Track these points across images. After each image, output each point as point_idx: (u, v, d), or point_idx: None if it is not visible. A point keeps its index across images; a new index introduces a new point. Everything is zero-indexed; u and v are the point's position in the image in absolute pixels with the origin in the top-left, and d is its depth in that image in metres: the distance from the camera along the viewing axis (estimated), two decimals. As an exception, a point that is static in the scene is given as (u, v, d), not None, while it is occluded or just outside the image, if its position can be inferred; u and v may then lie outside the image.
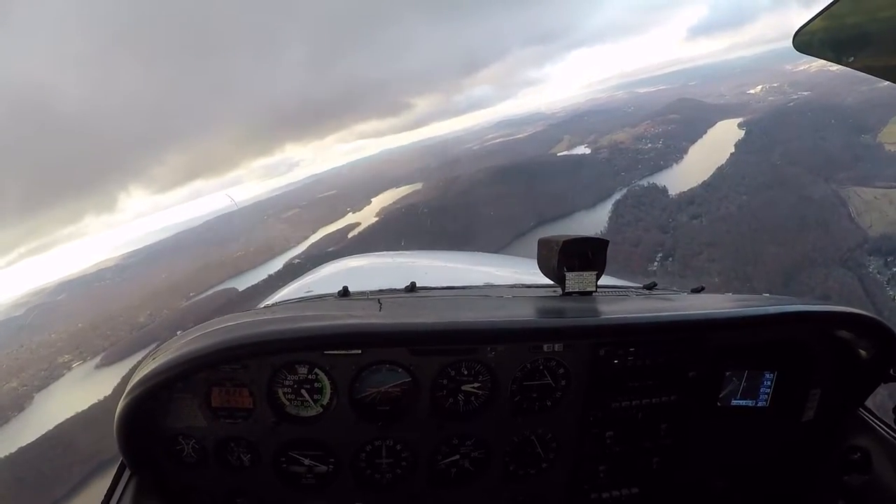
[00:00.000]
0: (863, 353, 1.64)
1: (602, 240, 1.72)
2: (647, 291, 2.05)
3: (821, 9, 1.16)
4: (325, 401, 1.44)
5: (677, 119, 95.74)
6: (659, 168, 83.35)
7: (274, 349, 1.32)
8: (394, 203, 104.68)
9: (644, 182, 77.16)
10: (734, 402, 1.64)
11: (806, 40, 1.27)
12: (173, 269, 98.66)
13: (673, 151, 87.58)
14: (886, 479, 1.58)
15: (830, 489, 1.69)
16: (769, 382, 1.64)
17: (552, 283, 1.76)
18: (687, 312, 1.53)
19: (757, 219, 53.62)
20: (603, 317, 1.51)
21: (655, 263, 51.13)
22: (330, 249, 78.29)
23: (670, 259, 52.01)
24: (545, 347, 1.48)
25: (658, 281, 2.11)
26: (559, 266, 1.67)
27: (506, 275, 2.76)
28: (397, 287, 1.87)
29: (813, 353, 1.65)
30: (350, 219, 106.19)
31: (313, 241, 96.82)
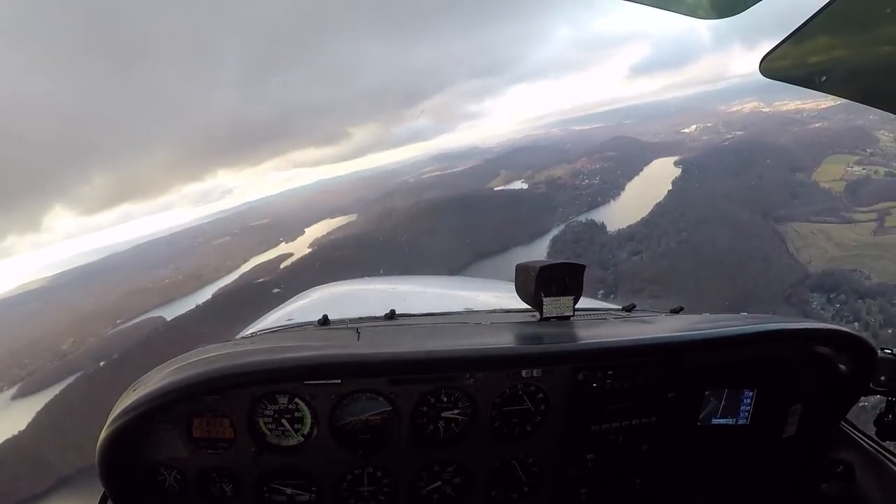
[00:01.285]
0: (842, 367, 1.69)
1: (578, 265, 1.77)
2: (625, 314, 2.04)
3: (785, 36, 1.20)
4: (306, 430, 1.47)
5: (614, 156, 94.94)
6: (597, 204, 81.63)
7: (253, 380, 1.35)
8: (328, 234, 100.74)
9: (582, 218, 75.31)
10: (714, 422, 1.67)
11: (773, 65, 1.30)
12: (101, 294, 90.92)
13: (610, 188, 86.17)
14: (869, 492, 1.63)
15: (813, 501, 1.74)
16: (749, 400, 1.67)
17: (530, 308, 1.81)
18: (664, 335, 1.59)
19: (698, 255, 52.10)
20: (580, 342, 1.59)
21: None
22: (260, 280, 74.48)
23: (612, 296, 48.40)
24: (524, 373, 1.51)
25: (637, 302, 2.10)
26: (536, 291, 1.73)
27: (485, 300, 2.76)
28: (377, 314, 1.90)
29: (792, 370, 1.69)
30: (283, 249, 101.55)
31: (244, 270, 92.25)
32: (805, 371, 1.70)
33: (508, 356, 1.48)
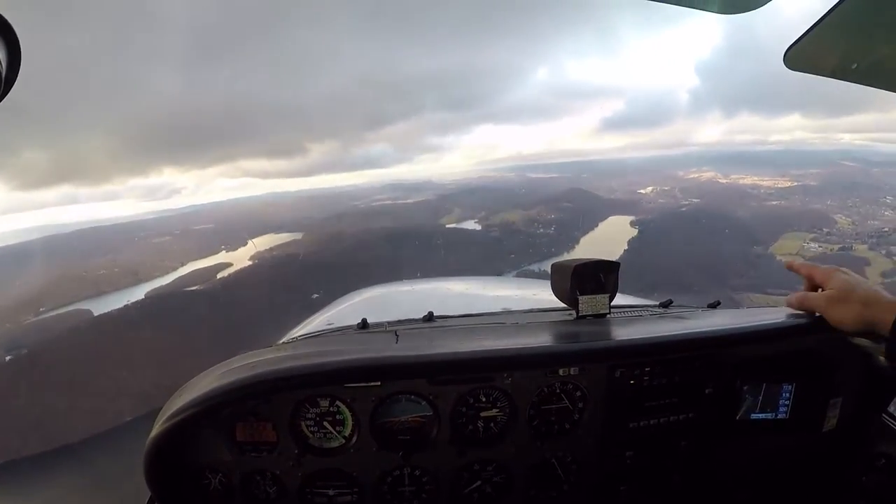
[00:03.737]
0: (882, 358, 1.64)
1: (614, 262, 1.79)
2: (661, 310, 2.03)
3: (808, 27, 1.21)
4: (347, 432, 1.51)
5: (570, 207, 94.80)
6: (550, 255, 78.56)
7: (295, 385, 1.39)
8: (270, 249, 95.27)
9: (535, 267, 71.95)
10: (753, 416, 1.67)
11: (798, 56, 1.33)
12: (31, 275, 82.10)
13: (565, 240, 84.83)
14: None
15: (853, 494, 1.73)
16: (788, 394, 1.66)
17: (566, 306, 1.84)
18: (701, 329, 1.62)
19: (656, 322, 49.62)
20: (617, 339, 1.61)
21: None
22: (194, 288, 71.71)
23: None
24: (561, 371, 1.54)
25: (674, 298, 2.09)
26: (572, 290, 1.75)
27: (521, 299, 2.79)
28: (415, 317, 1.94)
29: (832, 362, 1.66)
30: (222, 257, 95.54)
31: (181, 273, 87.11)
32: (845, 363, 1.67)
33: (546, 355, 1.51)
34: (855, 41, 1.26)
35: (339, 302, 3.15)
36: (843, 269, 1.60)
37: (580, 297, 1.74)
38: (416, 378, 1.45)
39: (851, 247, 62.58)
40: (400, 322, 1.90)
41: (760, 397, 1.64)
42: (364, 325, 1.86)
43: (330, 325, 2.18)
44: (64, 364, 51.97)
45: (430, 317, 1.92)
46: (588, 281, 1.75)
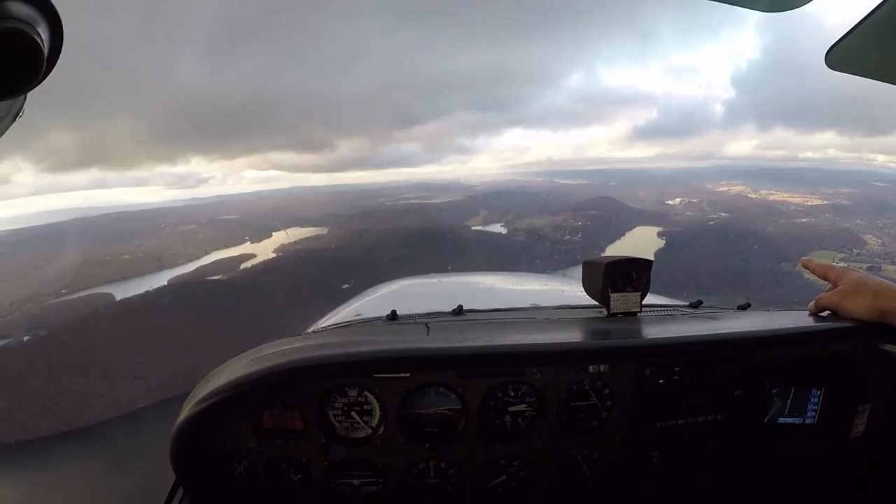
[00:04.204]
0: None
1: (647, 260, 1.80)
2: (692, 310, 2.04)
3: (850, 28, 1.21)
4: (375, 422, 1.50)
5: (597, 215, 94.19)
6: (576, 262, 77.47)
7: (324, 373, 1.41)
8: (295, 243, 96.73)
9: (560, 274, 71.67)
10: (781, 420, 1.66)
11: (840, 57, 1.31)
12: (57, 257, 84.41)
13: (591, 247, 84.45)
14: None
15: (879, 501, 1.75)
16: (817, 399, 1.65)
17: (597, 304, 1.83)
18: (732, 331, 1.62)
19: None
20: (648, 337, 1.60)
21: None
22: (216, 277, 72.35)
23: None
24: (590, 368, 1.53)
25: (704, 299, 2.11)
26: (604, 287, 1.75)
27: (552, 296, 2.79)
28: (444, 310, 1.93)
29: (862, 368, 1.65)
30: (247, 248, 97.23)
31: (204, 262, 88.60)
32: (875, 370, 1.64)
33: (576, 351, 1.51)
34: None
35: (368, 293, 3.19)
36: (856, 268, 1.65)
37: (612, 295, 1.75)
38: (446, 370, 1.46)
39: (881, 267, 62.33)
40: (429, 315, 1.90)
41: (789, 401, 1.63)
42: (394, 316, 1.87)
43: (359, 315, 2.22)
44: (82, 347, 53.63)
45: (459, 310, 1.91)
46: (620, 278, 1.76)
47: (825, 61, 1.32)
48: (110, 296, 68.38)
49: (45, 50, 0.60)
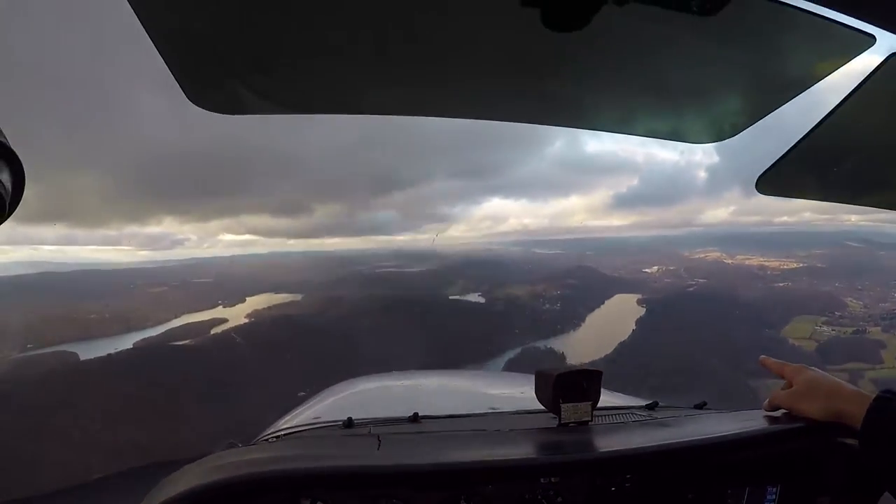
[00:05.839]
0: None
1: (596, 371, 1.85)
2: (647, 412, 2.07)
3: (778, 157, 1.34)
4: None
5: (576, 285, 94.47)
6: (556, 332, 78.94)
7: (276, 488, 1.45)
8: (268, 309, 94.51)
9: (541, 345, 71.74)
10: None
11: (770, 182, 1.45)
12: (23, 311, 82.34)
13: (571, 317, 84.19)
14: None
15: None
16: (773, 496, 1.67)
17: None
18: (685, 439, 1.65)
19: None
20: (599, 450, 1.65)
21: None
22: (184, 342, 70.70)
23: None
24: (542, 480, 1.57)
25: (659, 397, 2.16)
26: (555, 398, 1.81)
27: (507, 400, 2.85)
28: (401, 415, 2.03)
29: (818, 462, 1.68)
30: (219, 312, 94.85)
31: (174, 325, 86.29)
32: (830, 462, 1.68)
33: (527, 467, 1.56)
34: (829, 165, 1.38)
35: (327, 394, 3.26)
36: (811, 367, 1.70)
37: (563, 405, 1.79)
38: (397, 487, 1.49)
39: (865, 329, 62.80)
40: (385, 422, 1.96)
41: (745, 501, 1.64)
42: (349, 423, 1.92)
43: (317, 418, 2.28)
44: (38, 409, 50.02)
45: (415, 417, 1.98)
46: (570, 389, 1.79)
47: (756, 187, 1.45)
48: (74, 355, 65.95)
49: (7, 198, 0.61)
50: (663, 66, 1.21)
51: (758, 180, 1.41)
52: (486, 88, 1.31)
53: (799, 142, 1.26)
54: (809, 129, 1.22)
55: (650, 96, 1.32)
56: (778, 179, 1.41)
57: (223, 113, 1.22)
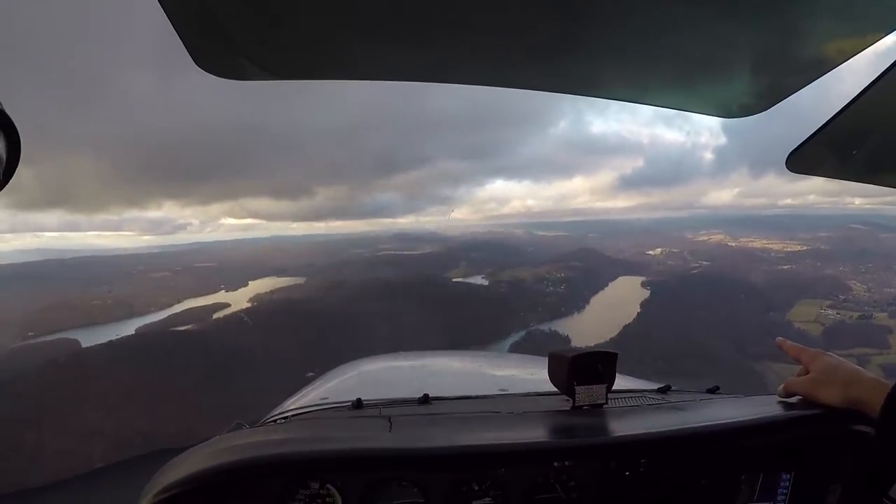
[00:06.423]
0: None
1: (612, 353, 1.82)
2: (660, 396, 2.05)
3: (811, 133, 1.32)
4: None
5: (579, 266, 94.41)
6: (560, 314, 79.13)
7: (284, 470, 1.44)
8: (271, 292, 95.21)
9: (545, 327, 72.11)
10: None
11: (801, 161, 1.44)
12: (26, 299, 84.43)
13: (574, 299, 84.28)
14: None
15: None
16: (786, 483, 1.67)
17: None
18: (699, 424, 1.63)
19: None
20: (613, 434, 1.63)
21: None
22: (186, 328, 70.95)
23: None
24: (555, 463, 1.55)
25: (666, 380, 2.16)
26: (569, 380, 1.78)
27: (519, 381, 2.76)
28: (411, 397, 1.98)
29: (832, 449, 1.67)
30: (221, 297, 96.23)
31: (176, 310, 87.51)
32: (844, 449, 1.65)
33: (540, 450, 1.54)
34: (858, 144, 1.37)
35: (335, 374, 3.12)
36: (828, 352, 1.67)
37: (577, 388, 1.75)
38: (408, 469, 1.48)
39: (871, 315, 62.81)
40: (394, 403, 1.92)
41: (758, 487, 1.62)
42: (358, 404, 1.88)
43: (325, 399, 2.20)
44: (40, 397, 51.37)
45: (425, 399, 1.94)
46: (585, 371, 1.75)
47: (786, 165, 1.44)
48: (76, 342, 66.59)
49: (2, 167, 0.61)
50: (685, 38, 1.17)
51: (788, 157, 1.40)
52: (500, 54, 1.24)
53: (831, 119, 1.24)
54: (842, 106, 1.19)
55: (670, 66, 1.28)
56: (809, 157, 1.39)
57: (229, 78, 1.16)
